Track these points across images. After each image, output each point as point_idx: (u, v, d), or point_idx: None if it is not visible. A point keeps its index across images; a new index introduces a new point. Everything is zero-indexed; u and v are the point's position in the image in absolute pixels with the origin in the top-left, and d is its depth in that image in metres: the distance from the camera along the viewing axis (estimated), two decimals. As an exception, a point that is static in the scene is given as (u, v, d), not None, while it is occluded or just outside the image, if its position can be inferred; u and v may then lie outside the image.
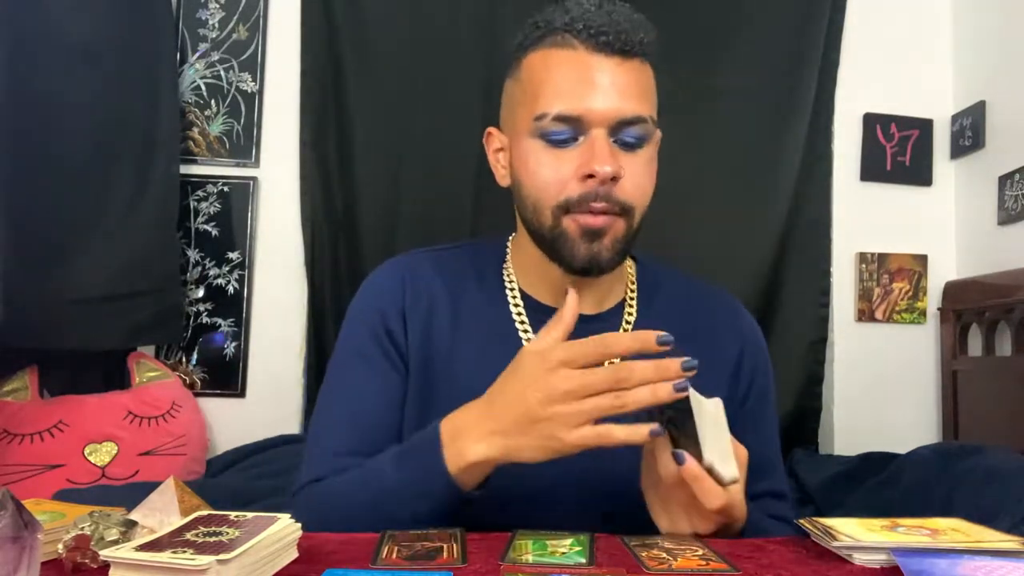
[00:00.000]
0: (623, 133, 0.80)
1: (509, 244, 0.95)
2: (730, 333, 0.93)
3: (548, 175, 0.81)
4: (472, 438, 0.71)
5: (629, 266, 0.95)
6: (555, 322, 0.70)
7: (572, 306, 0.70)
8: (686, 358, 0.65)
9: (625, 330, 0.89)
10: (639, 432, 0.65)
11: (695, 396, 0.68)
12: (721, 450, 0.68)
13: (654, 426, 0.65)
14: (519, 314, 0.89)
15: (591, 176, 0.78)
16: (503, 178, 0.90)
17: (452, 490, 0.72)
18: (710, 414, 0.69)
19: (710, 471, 0.66)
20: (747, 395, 0.92)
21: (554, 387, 0.65)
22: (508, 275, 0.92)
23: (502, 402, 0.70)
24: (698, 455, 0.66)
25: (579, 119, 0.79)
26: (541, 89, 0.81)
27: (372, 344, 0.88)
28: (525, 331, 0.88)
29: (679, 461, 0.66)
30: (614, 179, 0.79)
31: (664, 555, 0.63)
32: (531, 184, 0.83)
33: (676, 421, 0.69)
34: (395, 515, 0.72)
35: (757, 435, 0.89)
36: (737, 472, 0.67)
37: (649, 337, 0.65)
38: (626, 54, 0.79)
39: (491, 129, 0.92)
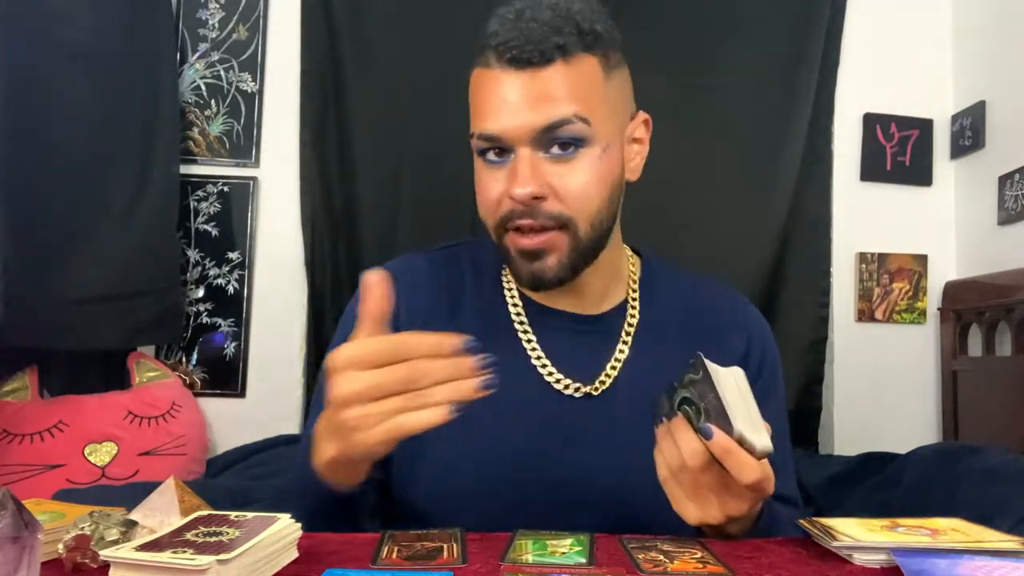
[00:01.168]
0: (550, 143, 0.78)
1: None
2: (735, 330, 0.92)
3: (487, 193, 0.82)
4: (323, 438, 0.69)
5: (632, 265, 0.94)
6: (359, 320, 0.65)
7: (371, 298, 0.64)
8: (484, 355, 0.62)
9: (628, 332, 0.89)
10: (436, 414, 0.60)
11: (712, 367, 0.65)
12: (750, 419, 0.64)
13: (450, 407, 0.61)
14: (518, 314, 0.88)
15: (514, 197, 0.78)
16: None
17: (325, 487, 0.71)
18: (732, 384, 0.66)
19: (741, 442, 0.63)
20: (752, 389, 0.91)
21: (339, 390, 0.61)
22: (506, 275, 0.91)
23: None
24: (726, 428, 0.63)
25: (499, 138, 0.79)
26: (473, 109, 0.82)
27: None
28: (525, 331, 0.87)
29: (707, 435, 0.63)
30: (537, 198, 0.78)
31: (661, 557, 0.63)
32: (478, 201, 0.84)
33: (694, 399, 0.65)
34: (304, 510, 0.71)
35: None
36: (769, 442, 0.64)
37: (450, 342, 0.61)
38: (537, 64, 0.77)
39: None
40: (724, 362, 0.89)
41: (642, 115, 0.88)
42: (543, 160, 0.78)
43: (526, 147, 0.78)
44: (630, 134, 0.86)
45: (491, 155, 0.80)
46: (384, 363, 0.61)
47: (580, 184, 0.79)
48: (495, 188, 0.80)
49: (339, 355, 0.62)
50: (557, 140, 0.78)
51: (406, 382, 0.60)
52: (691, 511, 0.67)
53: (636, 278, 0.93)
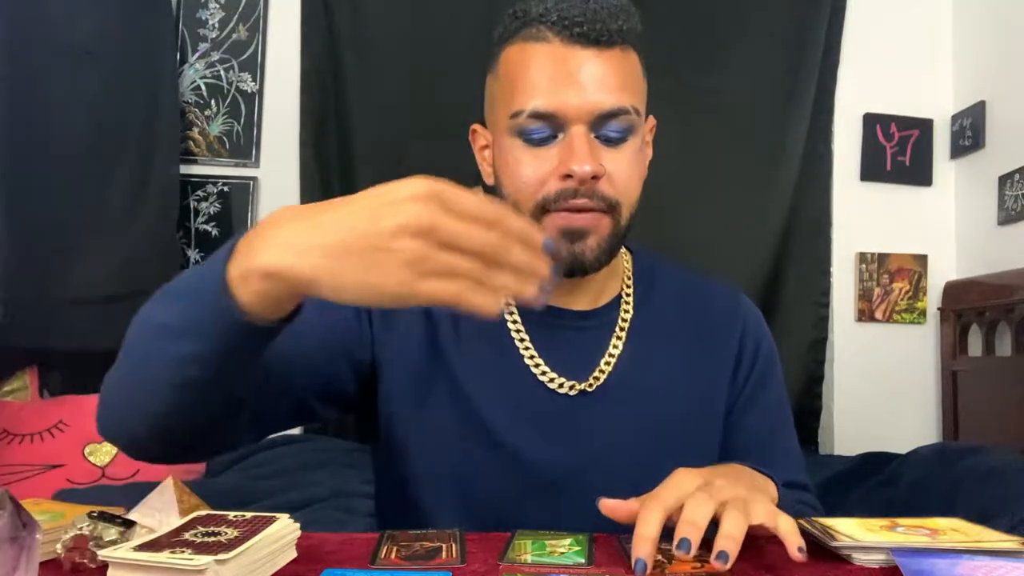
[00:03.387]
0: (605, 128, 0.77)
1: None
2: (729, 322, 0.92)
3: (527, 174, 0.78)
4: (274, 242, 0.54)
5: (625, 260, 0.94)
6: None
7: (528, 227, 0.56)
8: (552, 249, 0.56)
9: (622, 328, 0.89)
10: (494, 302, 0.53)
11: None
12: None
13: (503, 303, 0.54)
14: (511, 313, 0.87)
15: (570, 176, 0.76)
16: (488, 176, 0.87)
17: (219, 293, 0.54)
18: None
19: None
20: (747, 379, 0.91)
21: (418, 217, 0.51)
22: None
23: (339, 211, 0.54)
24: None
25: (555, 115, 0.76)
26: (517, 85, 0.78)
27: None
28: (518, 330, 0.87)
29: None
30: (595, 177, 0.76)
31: (659, 557, 0.63)
32: (511, 184, 0.81)
33: None
34: (164, 320, 0.59)
35: (758, 417, 0.88)
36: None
37: (537, 237, 0.55)
38: (603, 44, 0.76)
39: (475, 126, 0.89)
40: (719, 357, 0.89)
41: (652, 119, 0.88)
42: (595, 141, 0.77)
43: (581, 126, 0.76)
44: (644, 135, 0.86)
45: (536, 133, 0.77)
46: (474, 221, 0.53)
47: (627, 170, 0.79)
48: (539, 168, 0.78)
49: (431, 184, 0.53)
50: (612, 126, 0.77)
51: (493, 251, 0.53)
52: None
53: (630, 272, 0.93)
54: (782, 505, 0.70)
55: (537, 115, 0.77)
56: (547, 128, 0.77)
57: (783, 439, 0.91)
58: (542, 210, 0.79)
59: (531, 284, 0.55)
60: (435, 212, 0.52)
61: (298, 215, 0.55)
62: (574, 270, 0.80)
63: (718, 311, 0.92)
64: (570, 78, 0.76)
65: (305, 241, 0.53)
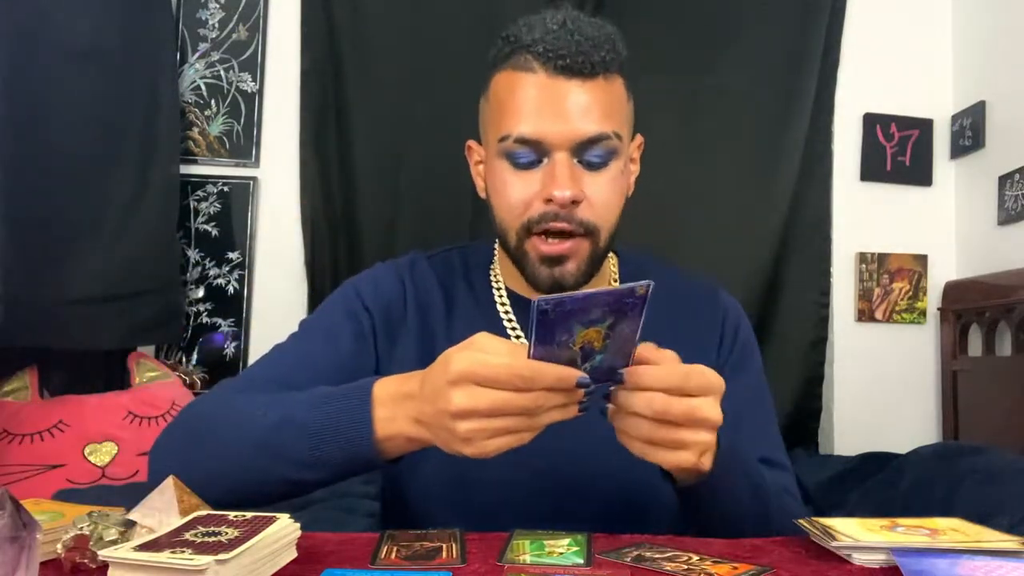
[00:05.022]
0: (586, 153, 0.81)
1: (497, 246, 0.97)
2: (711, 313, 0.95)
3: (513, 196, 0.83)
4: (404, 413, 0.67)
5: (612, 263, 0.97)
6: (516, 348, 0.62)
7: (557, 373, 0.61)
8: (589, 384, 0.62)
9: None
10: (537, 432, 0.63)
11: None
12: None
13: (574, 410, 0.63)
14: (506, 312, 0.91)
15: (551, 200, 0.80)
16: (482, 190, 0.92)
17: (369, 448, 0.68)
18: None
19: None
20: (726, 362, 0.93)
21: (459, 403, 0.61)
22: (495, 276, 0.95)
23: (427, 391, 0.65)
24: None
25: (540, 142, 0.80)
26: (504, 111, 0.83)
27: (345, 320, 0.91)
28: (513, 328, 0.90)
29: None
30: (575, 202, 0.80)
31: (656, 556, 0.63)
32: (498, 204, 0.86)
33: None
34: (288, 453, 0.70)
35: (732, 393, 0.89)
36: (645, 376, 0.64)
37: (571, 376, 0.61)
38: (586, 75, 0.80)
39: (471, 143, 0.94)
40: (702, 351, 0.91)
41: (639, 137, 0.92)
42: (577, 167, 0.82)
43: (564, 152, 0.80)
44: (630, 154, 0.90)
45: (522, 158, 0.82)
46: (509, 388, 0.60)
47: (608, 194, 0.83)
48: (524, 191, 0.82)
49: (462, 364, 0.61)
50: (594, 152, 0.81)
51: (526, 410, 0.61)
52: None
53: (616, 276, 0.96)
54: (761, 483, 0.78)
55: (522, 140, 0.81)
56: (532, 153, 0.81)
57: (759, 417, 0.92)
58: (526, 232, 0.83)
59: (572, 409, 0.63)
60: (471, 395, 0.61)
61: (411, 389, 0.67)
62: (553, 292, 0.83)
63: (700, 306, 0.96)
64: (554, 107, 0.80)
65: (416, 414, 0.66)
